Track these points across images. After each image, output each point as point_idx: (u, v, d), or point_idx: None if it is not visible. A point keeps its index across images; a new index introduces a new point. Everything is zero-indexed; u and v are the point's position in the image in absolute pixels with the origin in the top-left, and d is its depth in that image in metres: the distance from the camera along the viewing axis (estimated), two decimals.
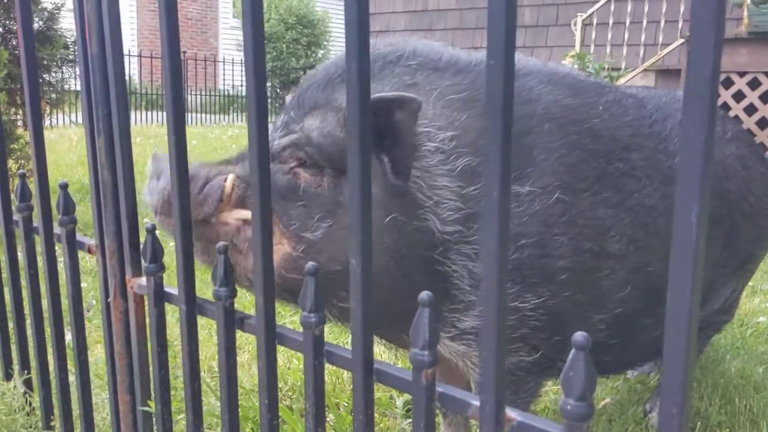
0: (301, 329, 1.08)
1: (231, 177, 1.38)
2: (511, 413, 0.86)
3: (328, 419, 2.04)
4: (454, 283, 1.42)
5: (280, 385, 2.25)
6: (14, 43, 4.21)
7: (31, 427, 1.78)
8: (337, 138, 1.37)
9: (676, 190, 0.66)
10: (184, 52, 13.34)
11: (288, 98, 1.61)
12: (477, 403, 0.88)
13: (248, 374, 2.31)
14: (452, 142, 1.39)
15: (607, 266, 1.49)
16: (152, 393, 1.42)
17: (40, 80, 4.42)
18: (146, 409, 1.43)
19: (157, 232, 1.34)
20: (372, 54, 1.52)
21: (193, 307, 1.26)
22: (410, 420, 2.07)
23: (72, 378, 1.69)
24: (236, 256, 1.35)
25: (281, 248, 1.35)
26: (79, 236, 1.56)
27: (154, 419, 1.43)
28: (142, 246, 1.33)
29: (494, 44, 0.76)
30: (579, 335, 0.76)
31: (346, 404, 2.08)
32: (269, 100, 15.73)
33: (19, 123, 4.78)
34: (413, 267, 1.39)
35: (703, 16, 0.62)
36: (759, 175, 1.83)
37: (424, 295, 0.91)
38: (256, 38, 0.99)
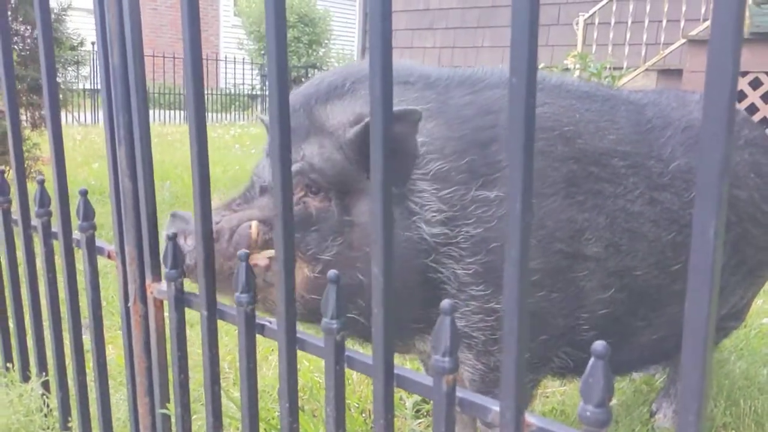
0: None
1: (254, 224, 1.45)
2: (531, 419, 0.89)
3: None
4: (443, 289, 1.50)
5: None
6: (21, 45, 4.24)
7: (48, 428, 1.81)
8: (337, 161, 1.45)
9: (695, 207, 0.69)
10: None
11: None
12: (497, 408, 0.91)
13: (258, 375, 2.33)
14: (423, 147, 1.47)
15: (584, 267, 1.53)
16: (171, 396, 1.45)
17: None
18: (165, 411, 1.46)
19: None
20: (343, 73, 1.59)
21: (214, 312, 1.29)
22: (420, 420, 2.10)
23: (88, 380, 1.72)
24: (267, 290, 1.44)
25: (301, 272, 1.44)
26: (98, 241, 1.58)
27: (172, 421, 1.46)
28: (162, 252, 1.36)
29: (517, 63, 0.78)
30: (599, 344, 0.79)
31: (356, 405, 2.11)
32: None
33: (25, 124, 4.81)
34: (408, 278, 1.47)
35: (721, 66, 0.64)
36: None
37: (446, 303, 0.93)
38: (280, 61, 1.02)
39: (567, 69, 7.74)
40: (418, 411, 2.14)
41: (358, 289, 1.46)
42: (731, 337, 2.63)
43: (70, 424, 1.78)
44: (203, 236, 1.24)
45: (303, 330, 1.17)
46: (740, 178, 1.73)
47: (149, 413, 1.50)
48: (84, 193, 1.54)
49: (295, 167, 1.48)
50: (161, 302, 1.42)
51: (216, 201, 1.53)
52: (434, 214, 1.47)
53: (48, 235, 1.70)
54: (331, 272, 1.08)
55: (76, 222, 1.57)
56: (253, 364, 1.24)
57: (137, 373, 1.50)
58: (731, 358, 2.44)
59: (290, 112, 1.48)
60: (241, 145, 8.85)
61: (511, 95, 0.80)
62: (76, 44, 4.66)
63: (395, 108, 1.42)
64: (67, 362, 1.76)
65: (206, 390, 1.32)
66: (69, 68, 4.74)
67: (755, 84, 7.61)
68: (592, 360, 0.80)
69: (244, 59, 14.46)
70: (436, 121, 1.52)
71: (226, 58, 14.23)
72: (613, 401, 2.17)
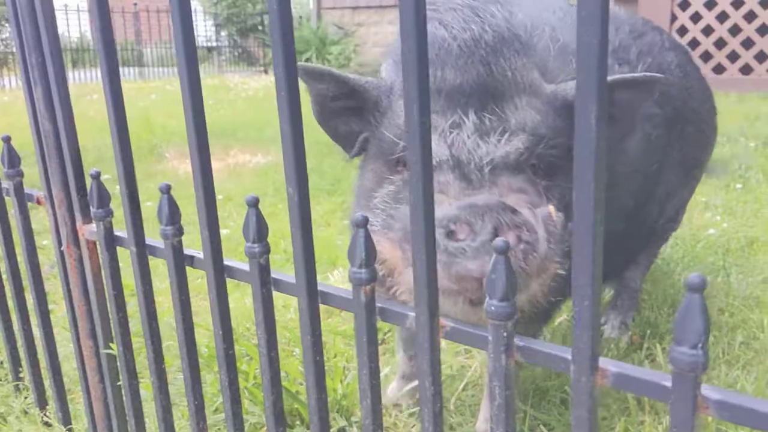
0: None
1: (551, 208, 1.12)
2: (444, 321, 0.91)
3: (294, 353, 2.10)
4: None
5: (248, 325, 2.30)
6: None
7: (0, 380, 1.81)
8: (559, 129, 1.23)
9: (576, 94, 0.69)
10: (135, 3, 12.96)
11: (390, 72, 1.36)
12: (413, 314, 0.93)
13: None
14: None
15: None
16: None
17: None
18: (109, 351, 1.47)
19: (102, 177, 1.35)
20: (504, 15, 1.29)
21: (143, 249, 1.29)
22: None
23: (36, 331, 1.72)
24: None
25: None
26: (27, 188, 1.56)
27: (117, 361, 1.47)
28: (88, 192, 1.34)
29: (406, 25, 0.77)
30: (499, 241, 0.80)
31: None
32: (227, 48, 15.42)
33: None
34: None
35: None
36: (696, 83, 1.92)
37: (357, 217, 0.94)
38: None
39: None
40: None
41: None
42: (679, 249, 2.69)
43: (21, 375, 1.78)
44: (125, 170, 1.23)
45: None
46: (673, 77, 1.79)
47: (94, 355, 1.51)
48: (7, 140, 1.50)
49: (520, 141, 1.19)
50: (94, 243, 1.41)
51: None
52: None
53: None
54: (250, 196, 1.07)
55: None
56: (186, 296, 1.24)
57: (78, 317, 1.50)
58: (677, 269, 2.51)
59: (457, 64, 1.21)
60: None
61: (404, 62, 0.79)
62: None
63: (632, 74, 1.28)
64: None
65: (144, 326, 1.32)
66: (5, 25, 4.57)
67: (710, 5, 7.59)
68: (494, 257, 0.81)
69: (195, 9, 14.10)
70: None
71: None
72: (564, 316, 2.23)
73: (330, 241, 2.98)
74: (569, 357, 0.78)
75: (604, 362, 0.77)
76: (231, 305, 2.38)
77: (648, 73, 1.22)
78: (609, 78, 1.23)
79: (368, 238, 0.95)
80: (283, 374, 1.83)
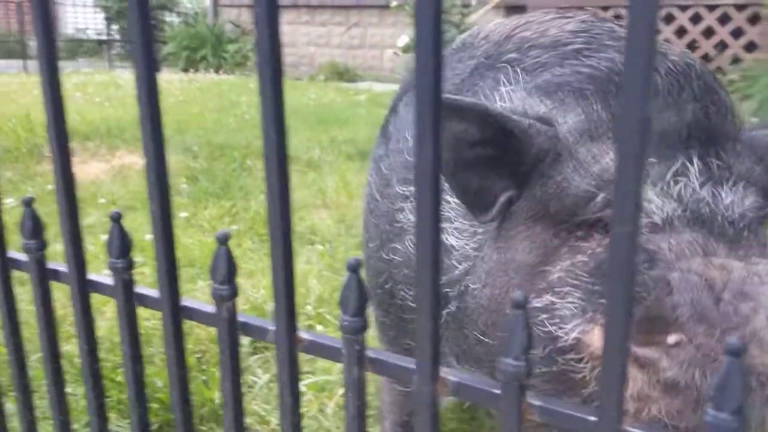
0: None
1: None
2: (302, 335, 0.94)
3: None
4: None
5: None
6: None
7: None
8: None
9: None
10: None
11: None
12: (273, 328, 0.96)
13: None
14: None
15: None
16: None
17: None
18: None
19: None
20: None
21: (5, 262, 1.25)
22: (257, 356, 2.16)
23: None
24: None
25: None
26: None
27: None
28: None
29: None
30: (352, 260, 0.84)
31: (190, 347, 2.12)
32: (119, 43, 14.87)
33: None
34: None
35: None
36: None
37: (221, 234, 0.96)
38: None
39: None
40: (256, 349, 2.19)
41: None
42: None
43: None
44: None
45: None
46: None
47: None
48: None
49: (753, 194, 1.04)
50: None
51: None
52: None
53: None
54: (114, 212, 1.08)
55: None
56: (50, 311, 1.22)
57: None
58: None
59: (666, 100, 1.07)
60: (84, 93, 8.33)
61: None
62: None
63: None
64: None
65: (7, 341, 1.29)
66: None
67: (696, 19, 7.70)
68: (348, 274, 0.85)
69: (85, 2, 13.53)
70: None
71: (65, 1, 13.23)
72: None
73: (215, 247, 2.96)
74: (414, 367, 0.84)
75: (445, 372, 0.83)
76: (110, 314, 2.34)
77: None
78: None
79: (229, 255, 0.98)
80: (161, 384, 1.83)
